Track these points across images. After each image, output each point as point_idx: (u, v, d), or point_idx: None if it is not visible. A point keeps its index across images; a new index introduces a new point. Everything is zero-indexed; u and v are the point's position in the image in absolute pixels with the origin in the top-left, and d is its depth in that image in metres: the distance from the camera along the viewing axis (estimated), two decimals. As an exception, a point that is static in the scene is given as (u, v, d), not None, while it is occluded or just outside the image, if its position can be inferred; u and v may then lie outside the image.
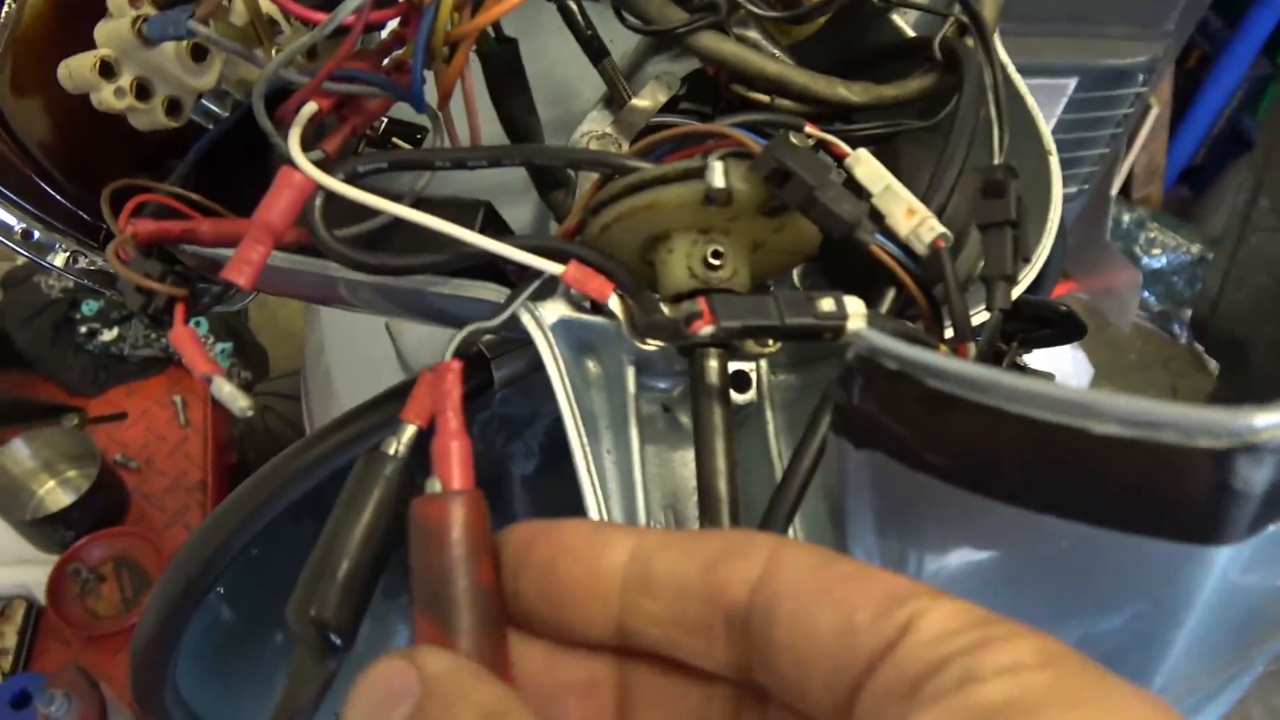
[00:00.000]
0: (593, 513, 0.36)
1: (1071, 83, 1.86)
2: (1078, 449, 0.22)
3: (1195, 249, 2.59)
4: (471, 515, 0.31)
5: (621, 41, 0.52)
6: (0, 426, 1.66)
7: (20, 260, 1.78)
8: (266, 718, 0.95)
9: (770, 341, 0.39)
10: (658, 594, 0.24)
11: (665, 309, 0.38)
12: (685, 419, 0.43)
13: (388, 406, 0.57)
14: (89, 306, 1.70)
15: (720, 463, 0.37)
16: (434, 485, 0.32)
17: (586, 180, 0.49)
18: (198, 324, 1.77)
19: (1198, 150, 2.74)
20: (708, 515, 0.37)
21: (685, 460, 0.42)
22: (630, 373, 0.40)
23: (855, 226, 0.35)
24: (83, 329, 1.71)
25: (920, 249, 0.35)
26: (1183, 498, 0.22)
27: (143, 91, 0.39)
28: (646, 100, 0.49)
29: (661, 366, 0.41)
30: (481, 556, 0.31)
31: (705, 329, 0.32)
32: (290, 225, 0.34)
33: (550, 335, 0.39)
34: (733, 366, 0.41)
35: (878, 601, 0.21)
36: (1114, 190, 2.48)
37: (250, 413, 0.33)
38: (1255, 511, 0.21)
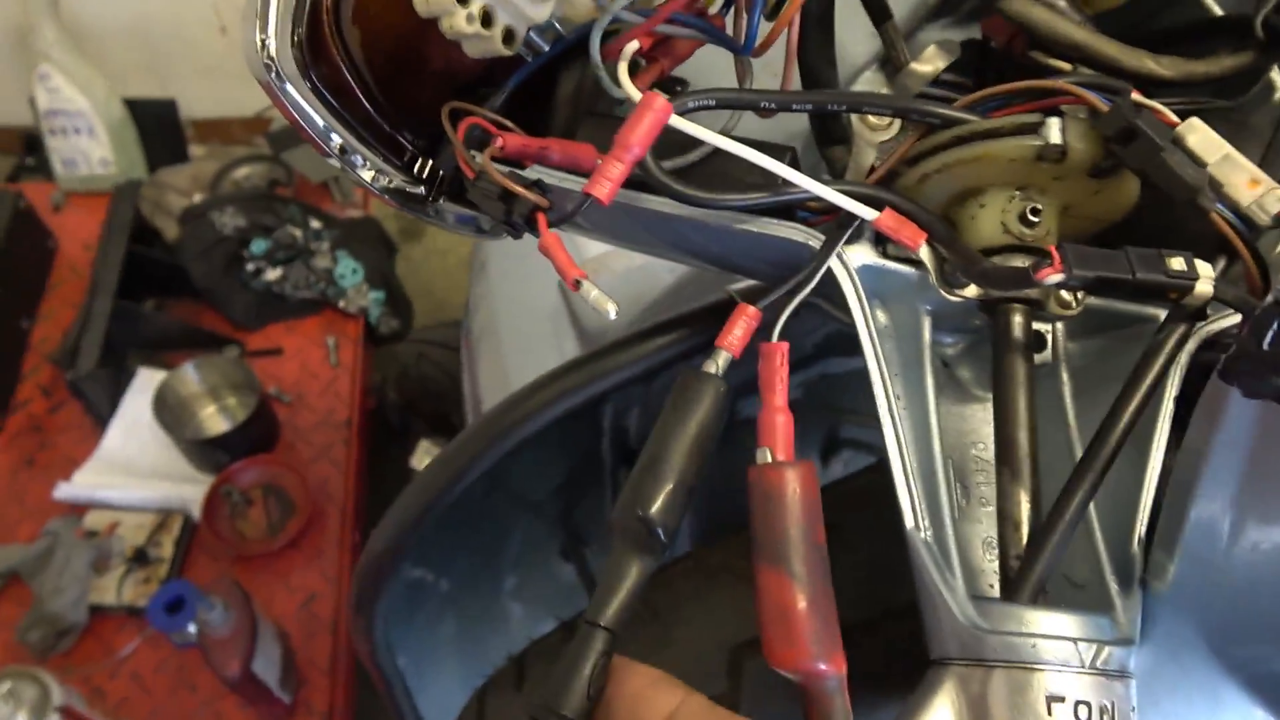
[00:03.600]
0: (894, 458, 0.37)
1: None
2: None
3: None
4: (806, 481, 0.34)
5: (896, 5, 0.52)
6: (171, 351, 1.78)
7: (198, 197, 1.89)
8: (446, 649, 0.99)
9: (1074, 303, 0.40)
10: None
11: (976, 262, 0.39)
12: (965, 374, 0.44)
13: (617, 355, 0.60)
14: (258, 246, 1.80)
15: (1022, 416, 0.38)
16: (764, 455, 0.35)
17: (863, 141, 0.50)
18: (354, 271, 1.85)
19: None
20: (1007, 465, 0.38)
21: (963, 416, 0.43)
22: (926, 323, 0.41)
23: (1198, 192, 0.35)
24: (250, 267, 1.81)
25: (1264, 219, 0.35)
26: None
27: (487, 19, 0.42)
28: (927, 66, 0.50)
29: (954, 321, 0.42)
30: (816, 520, 0.34)
31: (1054, 277, 0.33)
32: (646, 149, 0.36)
33: (856, 279, 0.40)
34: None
35: None
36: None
37: (615, 315, 0.36)
38: None
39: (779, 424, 0.34)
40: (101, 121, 1.87)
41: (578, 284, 0.35)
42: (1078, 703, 0.32)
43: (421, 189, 0.50)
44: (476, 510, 0.86)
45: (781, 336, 0.51)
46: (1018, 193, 0.39)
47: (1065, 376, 0.41)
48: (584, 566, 1.00)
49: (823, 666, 0.32)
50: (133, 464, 1.68)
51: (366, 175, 0.50)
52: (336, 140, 0.49)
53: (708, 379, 0.37)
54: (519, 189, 0.38)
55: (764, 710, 0.53)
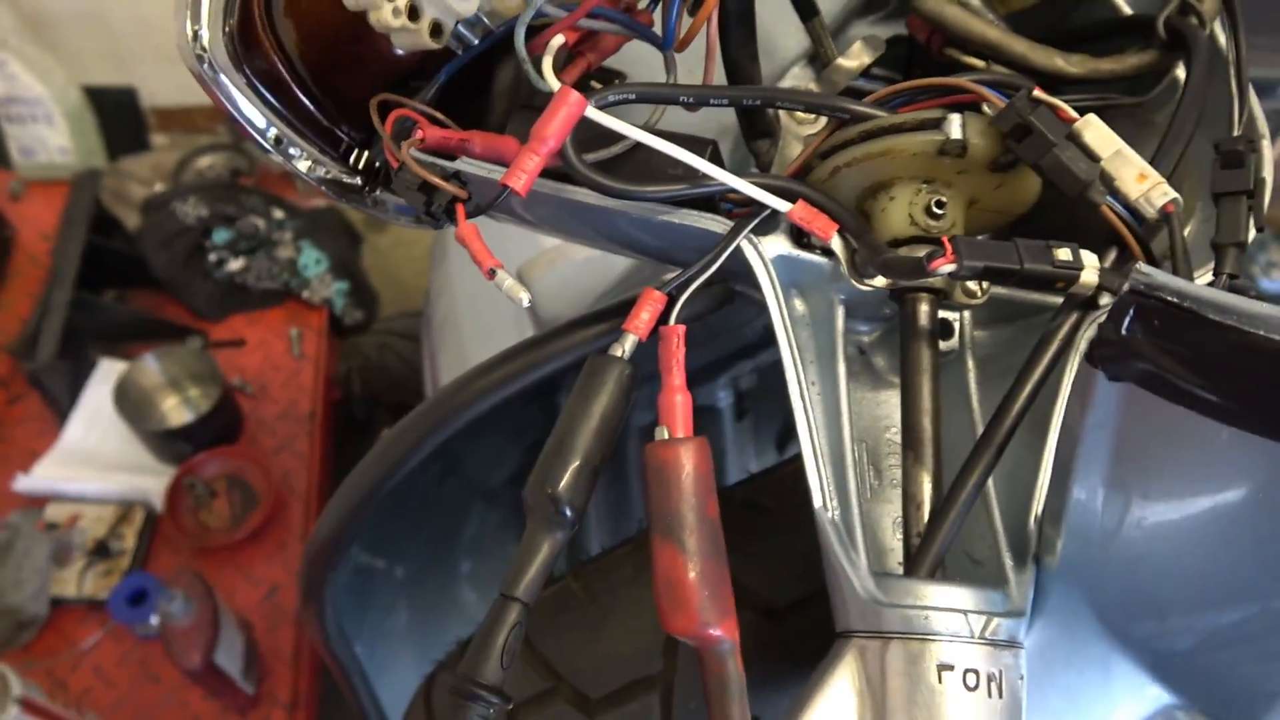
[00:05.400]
0: (805, 440, 0.39)
1: (1208, 90, 1.80)
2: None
3: (1315, 274, 2.49)
4: (700, 458, 0.36)
5: (824, 1, 0.54)
6: (132, 342, 1.76)
7: (159, 187, 1.88)
8: (387, 639, 1.00)
9: (979, 293, 0.41)
10: None
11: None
12: (880, 361, 0.45)
13: (555, 342, 0.61)
14: (220, 236, 1.79)
15: (926, 401, 0.40)
16: (662, 433, 0.37)
17: (790, 135, 0.52)
18: (318, 262, 1.85)
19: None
20: (912, 450, 0.40)
21: (878, 401, 0.45)
22: (840, 312, 0.43)
23: (1089, 185, 0.37)
24: (212, 257, 1.79)
25: (1150, 213, 0.37)
26: None
27: (414, 13, 0.43)
28: (853, 61, 0.51)
29: (868, 310, 0.44)
30: (708, 494, 0.36)
31: (946, 267, 0.34)
32: (562, 141, 0.37)
33: (771, 268, 0.41)
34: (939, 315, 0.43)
35: None
36: (1236, 206, 2.39)
37: (529, 304, 0.37)
38: None
39: (677, 403, 0.36)
40: (59, 109, 1.85)
41: (493, 273, 0.36)
42: (966, 670, 0.33)
43: (358, 180, 0.51)
44: (431, 497, 0.86)
45: (719, 326, 0.52)
46: (924, 186, 0.40)
47: (971, 364, 0.43)
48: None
49: (714, 632, 0.33)
50: (94, 456, 1.67)
51: (302, 166, 0.51)
52: (272, 131, 0.49)
53: (613, 362, 0.38)
54: (436, 180, 0.39)
55: (697, 688, 0.54)
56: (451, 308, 1.39)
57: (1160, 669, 0.38)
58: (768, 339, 0.71)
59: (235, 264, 1.80)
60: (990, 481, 0.39)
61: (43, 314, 1.68)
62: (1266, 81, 1.87)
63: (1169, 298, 0.26)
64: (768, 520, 0.59)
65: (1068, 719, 0.38)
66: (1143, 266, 0.26)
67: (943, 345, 0.43)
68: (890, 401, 0.44)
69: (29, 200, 1.97)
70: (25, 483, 1.62)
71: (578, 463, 0.37)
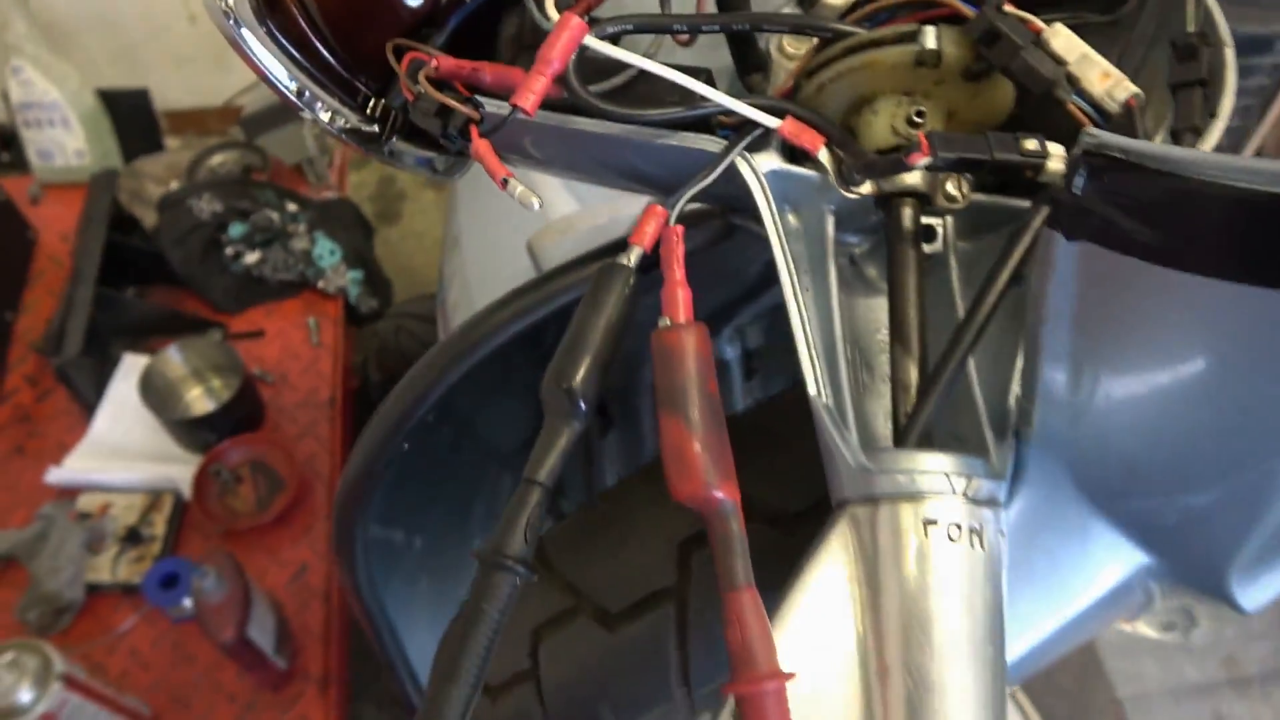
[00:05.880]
0: (798, 334, 0.42)
1: (1206, 47, 1.81)
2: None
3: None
4: (700, 340, 0.39)
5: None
6: (154, 336, 1.81)
7: (174, 185, 1.92)
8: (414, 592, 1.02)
9: (960, 197, 0.44)
10: None
11: (869, 161, 0.43)
12: (870, 271, 0.48)
13: (568, 275, 0.64)
14: (236, 230, 1.83)
15: (911, 294, 0.43)
16: (665, 322, 0.40)
17: (780, 69, 0.55)
18: (332, 252, 1.89)
19: (1331, 131, 2.62)
20: (899, 339, 0.43)
21: (869, 307, 0.48)
22: (830, 222, 0.46)
23: (1055, 84, 0.40)
24: (228, 251, 1.84)
25: (1113, 107, 0.40)
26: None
27: (424, -39, 0.46)
28: (838, -2, 0.54)
29: (857, 221, 0.47)
30: (708, 372, 0.39)
31: (923, 160, 0.37)
32: (565, 63, 0.40)
33: (764, 181, 0.44)
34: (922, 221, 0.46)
35: None
36: (1238, 168, 2.40)
37: (539, 207, 0.40)
38: None
39: (678, 296, 0.39)
40: (75, 113, 1.89)
41: (505, 182, 0.39)
42: (950, 525, 0.36)
43: (375, 128, 0.55)
44: (446, 464, 0.89)
45: (721, 265, 0.56)
46: (905, 98, 0.43)
47: (954, 264, 0.46)
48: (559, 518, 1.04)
49: (717, 494, 0.36)
50: (122, 447, 1.72)
51: (324, 116, 0.54)
52: (295, 84, 0.53)
53: (619, 269, 0.41)
54: (451, 101, 0.42)
55: (710, 596, 0.58)
56: (465, 291, 1.42)
57: (1136, 531, 0.41)
58: (768, 276, 0.74)
59: (251, 257, 1.84)
60: (972, 366, 0.42)
61: (67, 312, 1.72)
62: (1265, 37, 1.88)
63: (1115, 154, 0.29)
64: (773, 440, 0.62)
65: (1050, 581, 0.41)
66: (1090, 129, 0.29)
67: (927, 249, 0.46)
68: (880, 307, 0.47)
69: (48, 203, 2.02)
70: (57, 475, 1.67)
71: (589, 359, 0.40)
